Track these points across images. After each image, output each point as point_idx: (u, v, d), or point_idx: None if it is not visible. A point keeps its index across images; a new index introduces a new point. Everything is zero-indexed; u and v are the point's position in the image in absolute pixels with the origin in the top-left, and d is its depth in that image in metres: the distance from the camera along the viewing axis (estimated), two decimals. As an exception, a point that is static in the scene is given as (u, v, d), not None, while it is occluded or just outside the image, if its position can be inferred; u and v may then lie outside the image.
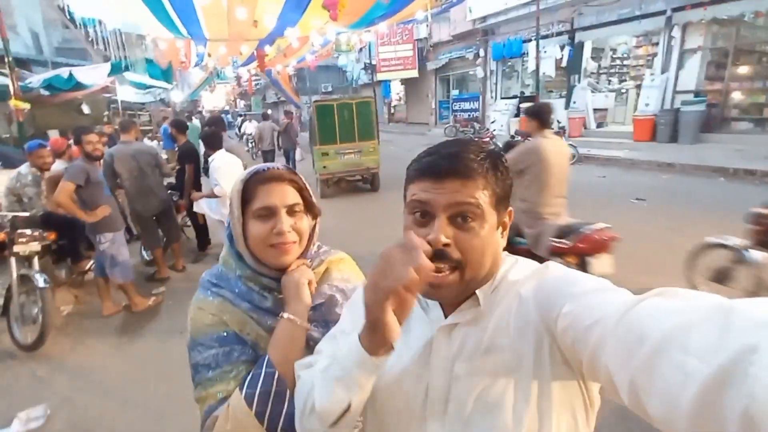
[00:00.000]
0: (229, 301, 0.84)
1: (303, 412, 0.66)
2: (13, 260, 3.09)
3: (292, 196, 0.85)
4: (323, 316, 0.89)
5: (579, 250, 2.70)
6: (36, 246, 3.18)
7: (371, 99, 7.93)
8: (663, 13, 9.37)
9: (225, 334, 0.82)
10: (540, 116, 2.89)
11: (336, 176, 7.55)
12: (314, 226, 0.93)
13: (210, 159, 3.85)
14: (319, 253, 0.96)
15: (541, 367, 0.56)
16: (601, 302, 0.50)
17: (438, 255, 0.57)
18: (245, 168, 2.63)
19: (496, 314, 0.61)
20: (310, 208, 0.90)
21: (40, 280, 3.01)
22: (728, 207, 5.30)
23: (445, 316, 0.64)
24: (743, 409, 0.32)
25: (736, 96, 9.07)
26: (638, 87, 10.85)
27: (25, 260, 3.16)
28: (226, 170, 3.71)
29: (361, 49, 17.11)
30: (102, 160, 3.72)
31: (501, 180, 0.62)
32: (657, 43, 10.27)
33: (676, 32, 9.41)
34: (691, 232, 4.54)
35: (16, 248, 3.09)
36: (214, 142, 3.93)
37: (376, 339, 0.56)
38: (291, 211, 0.84)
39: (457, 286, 0.59)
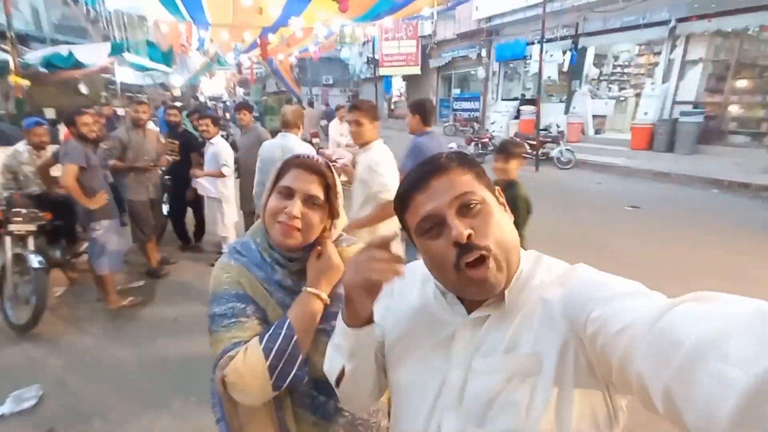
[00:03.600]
0: (247, 268, 0.92)
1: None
2: (7, 239, 3.05)
3: (315, 189, 0.88)
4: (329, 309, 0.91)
5: None
6: (31, 226, 3.15)
7: (290, 95, 16.68)
8: (667, 23, 9.41)
9: (241, 292, 0.89)
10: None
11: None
12: (331, 225, 0.95)
13: (212, 141, 4.11)
14: (335, 242, 0.97)
15: (564, 373, 0.55)
16: (632, 306, 0.48)
17: (466, 249, 0.57)
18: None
19: (520, 315, 0.60)
20: (332, 208, 0.93)
21: (34, 261, 2.98)
22: (720, 217, 5.40)
23: (468, 313, 0.65)
24: None
25: (735, 109, 9.17)
26: (638, 95, 10.91)
27: (20, 240, 3.12)
28: (231, 153, 4.08)
29: (364, 43, 16.98)
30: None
31: (474, 166, 0.66)
32: (659, 53, 10.33)
33: (679, 43, 9.47)
34: (682, 239, 4.63)
35: (11, 227, 3.05)
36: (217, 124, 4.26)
37: (349, 312, 0.66)
38: (308, 201, 0.88)
39: (498, 273, 0.59)
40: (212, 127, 4.07)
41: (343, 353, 0.69)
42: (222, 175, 4.01)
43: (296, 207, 0.85)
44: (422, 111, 2.94)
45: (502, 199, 0.67)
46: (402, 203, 0.66)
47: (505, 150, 2.37)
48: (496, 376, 0.59)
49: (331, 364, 0.72)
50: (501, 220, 0.61)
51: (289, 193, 0.87)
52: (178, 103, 7.47)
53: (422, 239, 0.63)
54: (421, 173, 0.64)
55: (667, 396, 0.39)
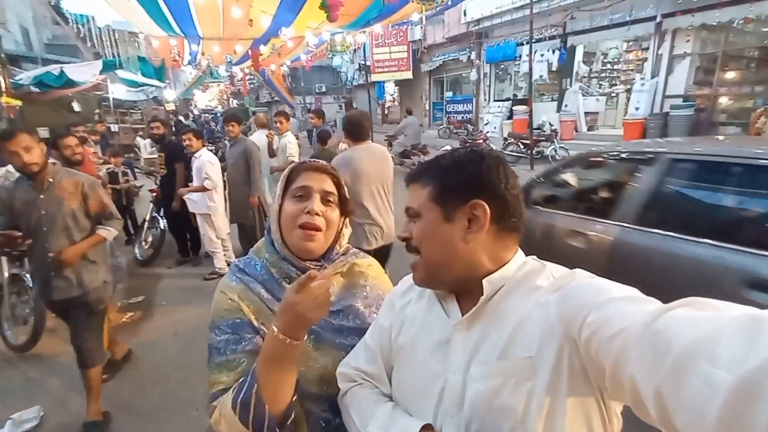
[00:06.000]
0: (250, 288, 0.87)
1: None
2: (3, 259, 3.05)
3: (329, 185, 0.90)
4: (340, 322, 0.89)
5: None
6: (27, 245, 3.13)
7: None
8: (653, 18, 9.52)
9: (239, 320, 0.84)
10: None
11: None
12: (343, 223, 0.94)
13: (197, 155, 4.02)
14: (347, 255, 0.96)
15: (559, 377, 0.55)
16: (626, 311, 0.48)
17: (407, 245, 0.73)
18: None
19: (515, 319, 0.61)
20: (344, 206, 0.93)
21: (31, 280, 2.97)
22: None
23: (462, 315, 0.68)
24: None
25: (724, 101, 9.25)
26: (628, 91, 11.00)
27: (17, 260, 3.11)
28: (216, 165, 4.01)
29: (355, 50, 17.10)
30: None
31: (449, 179, 0.69)
32: (647, 48, 10.43)
33: (666, 38, 9.58)
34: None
35: (6, 247, 3.04)
36: (200, 137, 4.16)
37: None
38: (325, 198, 0.89)
39: (423, 268, 0.70)
40: (195, 140, 4.01)
41: None
42: (206, 190, 3.95)
43: (317, 203, 0.86)
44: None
45: (477, 212, 0.65)
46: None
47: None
48: (493, 381, 0.59)
49: None
50: (431, 234, 0.69)
51: (306, 193, 0.87)
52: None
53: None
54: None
55: (658, 398, 0.40)
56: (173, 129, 5.91)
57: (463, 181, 0.67)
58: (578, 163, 2.98)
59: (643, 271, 2.02)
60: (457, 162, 0.69)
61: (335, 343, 0.86)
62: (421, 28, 15.13)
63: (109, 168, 4.91)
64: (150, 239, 4.84)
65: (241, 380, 0.76)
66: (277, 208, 0.89)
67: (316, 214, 0.85)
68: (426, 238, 0.68)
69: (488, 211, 0.65)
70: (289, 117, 4.94)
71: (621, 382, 0.46)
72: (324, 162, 0.93)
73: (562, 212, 2.58)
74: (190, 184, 4.26)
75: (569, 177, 2.89)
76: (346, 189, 0.94)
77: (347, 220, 0.96)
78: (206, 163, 3.94)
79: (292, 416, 0.77)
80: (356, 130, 2.76)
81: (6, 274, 3.03)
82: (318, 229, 0.86)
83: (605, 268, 2.14)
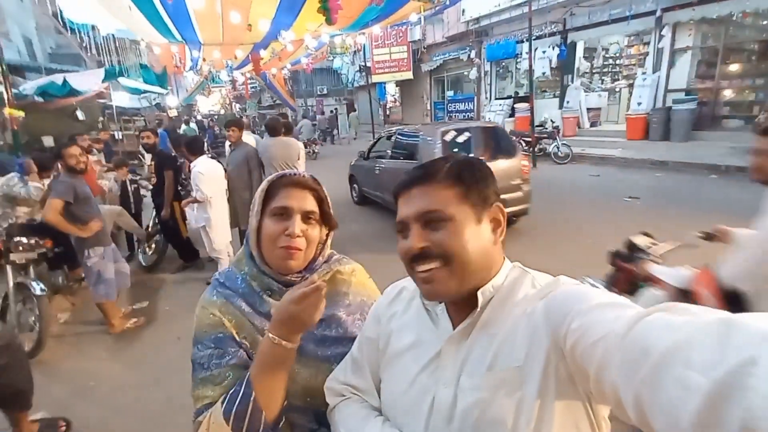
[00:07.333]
0: (231, 303, 0.86)
1: None
2: (9, 268, 3.09)
3: (310, 204, 0.87)
4: (323, 332, 0.88)
5: None
6: (32, 254, 3.19)
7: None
8: (653, 13, 9.46)
9: (221, 335, 0.83)
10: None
11: None
12: (327, 238, 0.93)
13: (192, 165, 3.94)
14: (329, 262, 0.95)
15: (547, 386, 0.56)
16: (608, 318, 0.49)
17: (421, 256, 0.63)
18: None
19: (503, 330, 0.61)
20: (327, 220, 0.91)
21: (36, 288, 3.02)
22: (720, 204, 5.36)
23: (453, 328, 0.67)
24: (742, 422, 0.31)
25: (727, 94, 9.17)
26: (630, 86, 10.93)
27: (22, 268, 3.16)
28: (208, 176, 3.86)
29: (355, 52, 17.13)
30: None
31: (470, 179, 0.66)
32: (648, 43, 10.38)
33: (666, 32, 9.51)
34: (684, 230, 4.59)
35: (12, 256, 3.09)
36: (195, 148, 4.02)
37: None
38: (306, 217, 0.86)
39: (449, 279, 0.62)
40: (188, 154, 3.98)
41: None
42: (199, 202, 3.89)
43: (297, 225, 0.83)
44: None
45: (499, 215, 0.67)
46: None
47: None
48: (483, 393, 0.59)
49: None
50: (467, 238, 0.62)
51: (285, 213, 0.84)
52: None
53: (398, 235, 0.69)
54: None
55: (637, 402, 0.41)
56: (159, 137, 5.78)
57: (484, 183, 0.67)
58: (384, 137, 6.56)
59: (393, 176, 5.46)
60: (471, 164, 0.68)
61: (317, 355, 0.86)
62: (421, 28, 15.17)
63: (115, 177, 4.98)
64: (153, 245, 4.89)
65: (231, 392, 0.76)
66: (256, 224, 0.86)
67: (298, 236, 0.83)
68: (465, 241, 0.62)
69: (506, 215, 0.67)
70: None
71: (604, 388, 0.47)
72: (305, 175, 0.90)
73: (376, 158, 6.42)
74: (187, 193, 4.23)
75: (379, 143, 6.67)
76: (329, 203, 0.91)
77: (331, 232, 0.94)
78: (197, 174, 3.84)
79: (283, 420, 0.78)
80: (271, 129, 4.57)
81: (12, 283, 3.07)
82: (299, 250, 0.85)
83: (379, 178, 6.06)
